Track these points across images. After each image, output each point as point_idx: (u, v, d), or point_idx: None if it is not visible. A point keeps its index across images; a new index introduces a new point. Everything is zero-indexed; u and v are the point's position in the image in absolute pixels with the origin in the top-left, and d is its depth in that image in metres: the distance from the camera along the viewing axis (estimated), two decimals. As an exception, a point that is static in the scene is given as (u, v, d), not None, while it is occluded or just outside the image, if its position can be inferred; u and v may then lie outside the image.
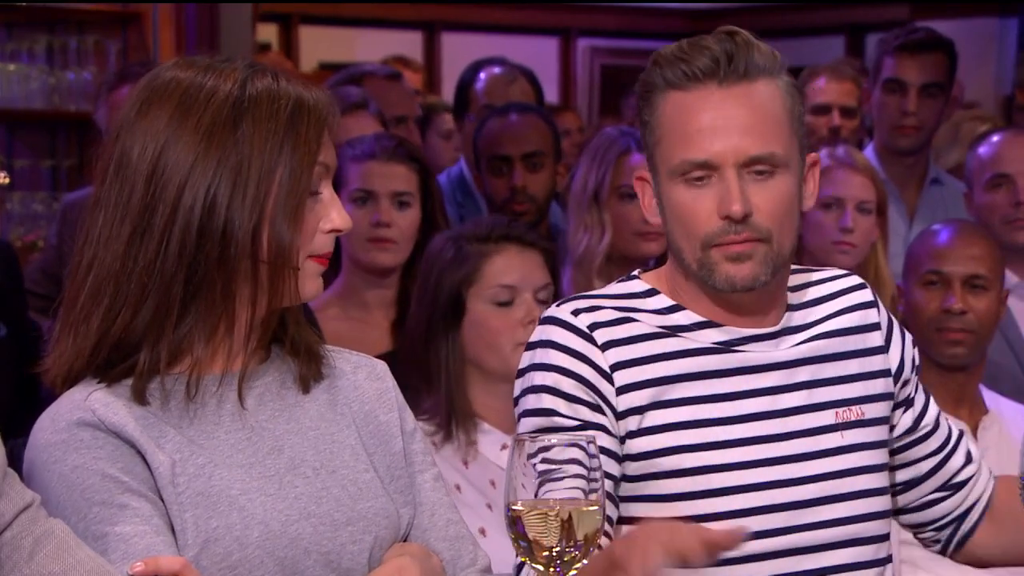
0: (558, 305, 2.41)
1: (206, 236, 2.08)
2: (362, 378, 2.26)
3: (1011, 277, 4.48)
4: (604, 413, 2.34)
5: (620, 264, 4.04)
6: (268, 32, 9.69)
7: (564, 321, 2.38)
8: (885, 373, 2.47)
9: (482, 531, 3.06)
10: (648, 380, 2.36)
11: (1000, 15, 8.98)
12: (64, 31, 6.49)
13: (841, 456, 2.40)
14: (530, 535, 1.98)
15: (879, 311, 2.50)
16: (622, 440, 2.35)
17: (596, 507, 1.98)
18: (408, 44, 9.94)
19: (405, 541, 2.22)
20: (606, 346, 2.36)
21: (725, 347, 2.39)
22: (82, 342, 2.11)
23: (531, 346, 2.40)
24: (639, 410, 2.35)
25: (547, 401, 2.34)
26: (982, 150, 4.62)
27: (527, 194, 4.55)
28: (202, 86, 2.11)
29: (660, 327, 2.39)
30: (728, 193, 2.32)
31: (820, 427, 2.40)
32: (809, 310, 2.46)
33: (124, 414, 2.08)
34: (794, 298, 2.46)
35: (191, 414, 2.12)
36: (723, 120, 2.34)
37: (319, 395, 2.22)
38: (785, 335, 2.42)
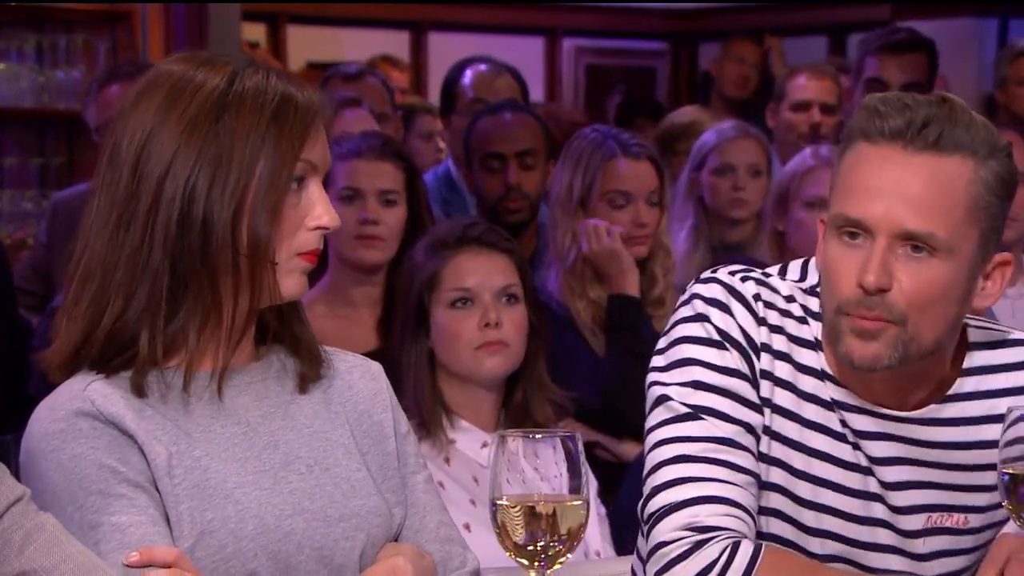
0: (732, 274, 2.32)
1: (187, 227, 2.08)
2: (357, 378, 2.27)
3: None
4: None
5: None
6: (256, 31, 9.67)
7: (743, 297, 2.30)
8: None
9: (467, 526, 3.06)
10: (780, 379, 2.29)
11: (980, 15, 9.00)
12: (53, 30, 6.48)
13: (919, 563, 2.31)
14: (514, 530, 1.98)
15: None
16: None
17: (580, 502, 1.99)
18: (395, 44, 9.93)
19: (396, 541, 2.22)
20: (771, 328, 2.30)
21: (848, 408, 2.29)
22: (73, 328, 2.12)
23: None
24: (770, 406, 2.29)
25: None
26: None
27: (521, 191, 4.56)
28: (192, 79, 2.12)
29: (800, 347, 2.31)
30: (869, 261, 2.19)
31: (909, 531, 2.31)
32: (975, 403, 2.32)
33: (122, 406, 2.09)
34: (969, 384, 2.31)
35: (188, 407, 2.13)
36: (892, 185, 2.19)
37: (314, 394, 2.22)
38: (921, 425, 2.29)
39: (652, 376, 2.32)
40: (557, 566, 1.99)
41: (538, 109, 5.74)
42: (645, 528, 2.27)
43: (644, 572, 2.31)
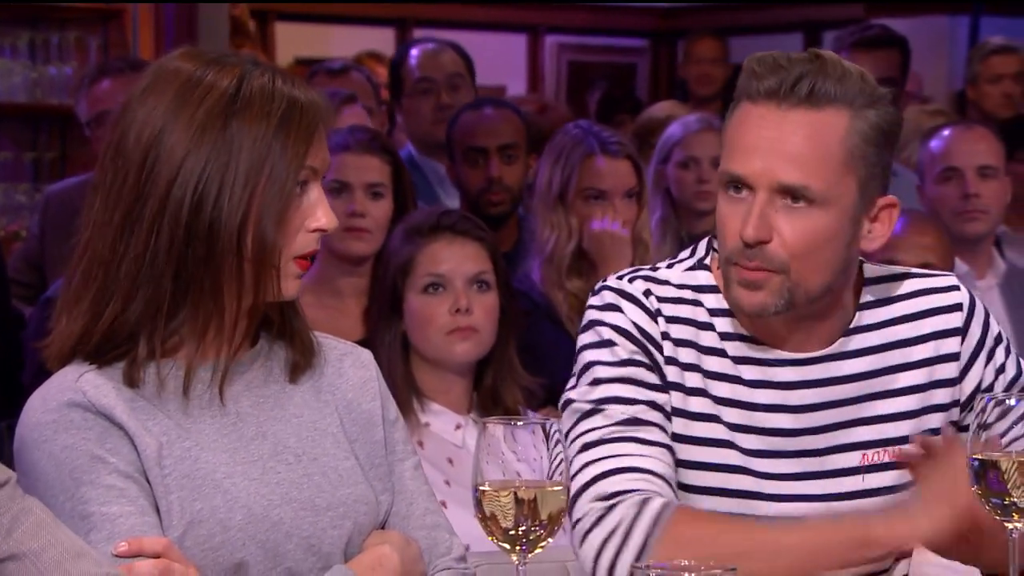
0: (620, 278, 2.37)
1: (193, 233, 2.07)
2: (347, 366, 2.26)
3: (960, 266, 4.50)
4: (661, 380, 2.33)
5: (590, 261, 4.05)
6: (244, 28, 9.64)
7: (633, 296, 2.34)
8: (947, 407, 2.39)
9: (443, 503, 3.08)
10: (694, 364, 2.33)
11: (951, 13, 9.01)
12: (46, 27, 6.47)
13: (865, 500, 2.33)
14: (496, 515, 1.98)
15: (964, 336, 2.39)
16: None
17: (560, 487, 1.99)
18: (381, 40, 9.91)
19: (383, 528, 2.22)
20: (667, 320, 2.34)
21: (758, 362, 2.34)
22: (72, 324, 2.11)
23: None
24: (682, 389, 2.32)
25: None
26: (933, 144, 4.64)
27: (502, 184, 4.56)
28: (201, 80, 2.10)
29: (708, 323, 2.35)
30: (749, 215, 2.25)
31: (843, 469, 2.34)
32: (876, 333, 2.37)
33: (113, 397, 2.08)
34: (866, 316, 2.37)
35: (179, 399, 2.12)
36: (767, 142, 2.25)
37: (304, 383, 2.22)
38: (831, 361, 2.35)
39: (563, 396, 2.37)
40: (538, 550, 2.00)
41: (533, 104, 5.72)
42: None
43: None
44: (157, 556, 2.00)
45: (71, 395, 2.08)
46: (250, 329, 2.16)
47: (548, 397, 3.57)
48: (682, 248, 4.64)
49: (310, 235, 2.14)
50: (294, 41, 9.99)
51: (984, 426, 2.13)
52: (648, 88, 11.22)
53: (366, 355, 2.29)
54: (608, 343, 2.33)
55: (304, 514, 2.13)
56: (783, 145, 2.24)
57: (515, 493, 1.97)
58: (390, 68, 5.54)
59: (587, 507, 2.25)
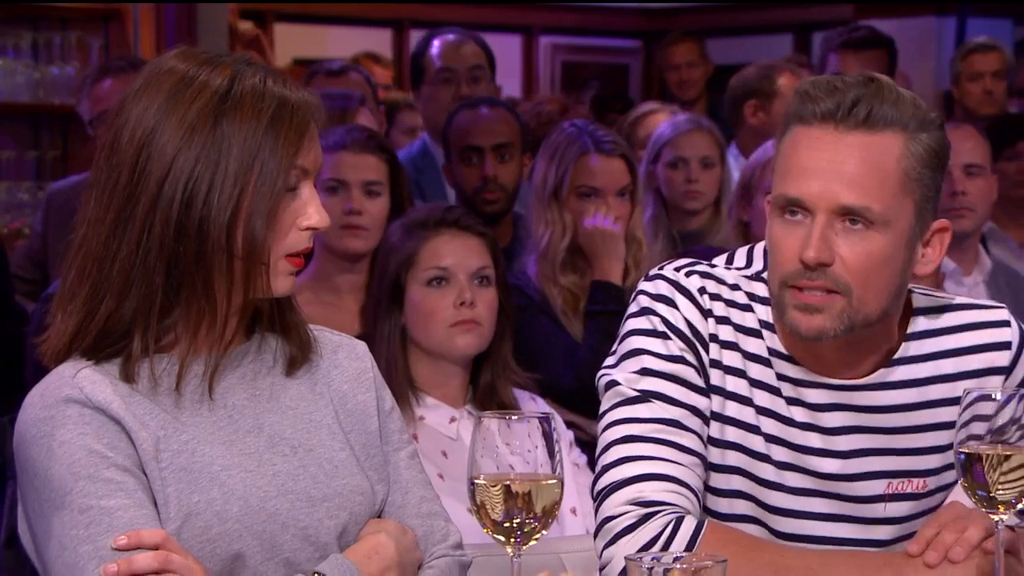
0: (677, 270, 2.33)
1: (184, 230, 2.06)
2: (342, 358, 2.26)
3: (947, 263, 4.50)
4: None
5: (584, 256, 4.06)
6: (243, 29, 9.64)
7: (688, 291, 2.31)
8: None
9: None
10: (739, 370, 2.31)
11: (938, 14, 9.01)
12: (48, 28, 6.47)
13: (883, 527, 2.33)
14: (491, 508, 1.98)
15: (1009, 376, 2.35)
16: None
17: (555, 481, 1.99)
18: (378, 41, 9.92)
19: (380, 517, 2.22)
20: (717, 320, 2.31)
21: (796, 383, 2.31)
22: (68, 321, 2.11)
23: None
24: (723, 393, 2.30)
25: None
26: (921, 142, 4.63)
27: (497, 183, 4.56)
28: (193, 79, 2.09)
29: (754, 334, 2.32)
30: (809, 237, 2.21)
31: (867, 496, 2.33)
32: (921, 365, 2.34)
33: (110, 393, 2.08)
34: (912, 347, 2.34)
35: (175, 394, 2.11)
36: (827, 164, 2.21)
37: (299, 375, 2.21)
38: (872, 390, 2.32)
39: (603, 371, 2.34)
40: (532, 542, 2.00)
41: (551, 103, 5.69)
42: (595, 505, 2.28)
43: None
44: (156, 548, 2.00)
45: (68, 391, 2.07)
46: (242, 324, 2.15)
47: (541, 392, 3.57)
48: (674, 246, 4.62)
49: (302, 233, 2.13)
50: (293, 42, 9.98)
51: (970, 421, 2.13)
52: (640, 87, 11.22)
53: (361, 347, 2.29)
54: (662, 335, 2.30)
55: (300, 505, 2.12)
56: (842, 167, 2.21)
57: (509, 486, 1.98)
58: (412, 57, 5.52)
59: (622, 508, 2.23)
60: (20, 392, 2.15)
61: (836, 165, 2.21)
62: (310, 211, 2.12)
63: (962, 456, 2.12)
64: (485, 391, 3.37)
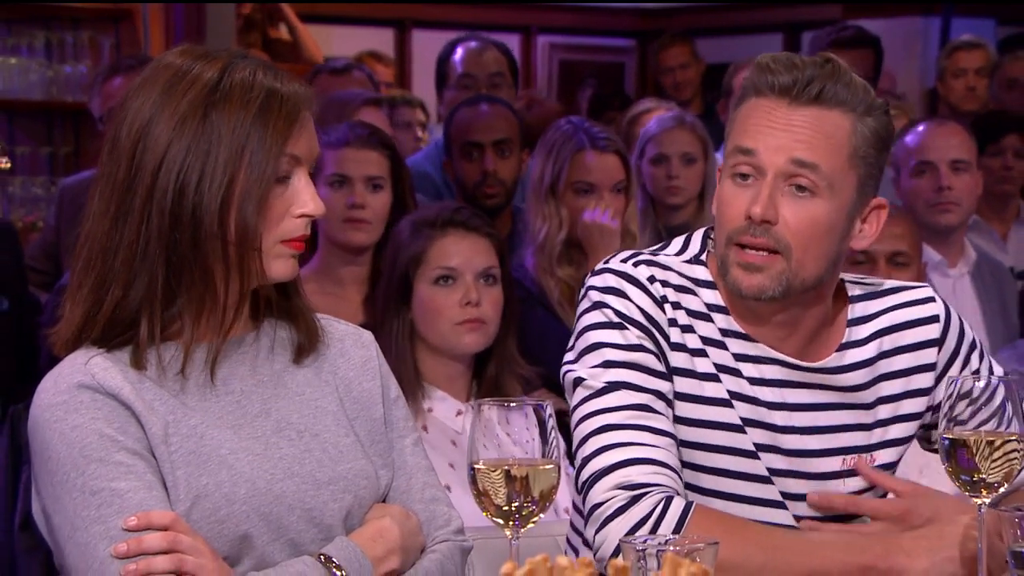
0: (623, 261, 2.35)
1: (178, 219, 2.07)
2: (348, 346, 2.26)
3: (934, 255, 4.51)
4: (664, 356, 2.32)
5: (580, 249, 4.07)
6: (250, 29, 9.63)
7: (638, 281, 2.32)
8: (919, 415, 2.41)
9: (448, 487, 3.08)
10: (702, 351, 2.32)
11: (924, 14, 9.01)
12: (61, 27, 6.47)
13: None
14: (491, 492, 1.98)
15: (941, 346, 2.41)
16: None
17: (552, 466, 1.99)
18: (380, 40, 9.91)
19: (384, 502, 2.22)
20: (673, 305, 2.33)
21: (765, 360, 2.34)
22: (76, 311, 2.12)
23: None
24: (693, 375, 2.31)
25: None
26: (908, 139, 4.64)
27: (497, 178, 4.57)
28: (187, 73, 2.10)
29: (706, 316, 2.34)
30: (758, 195, 2.25)
31: (827, 472, 2.35)
32: (865, 347, 2.38)
33: (121, 379, 2.08)
34: (855, 332, 2.38)
35: (184, 380, 2.12)
36: (781, 126, 2.27)
37: (306, 362, 2.21)
38: (829, 373, 2.35)
39: (564, 368, 2.35)
40: (531, 525, 2.00)
41: (548, 105, 5.69)
42: (581, 497, 2.28)
43: (582, 541, 2.33)
44: (165, 529, 2.00)
45: (80, 377, 2.08)
46: (243, 310, 2.15)
47: (542, 383, 3.58)
48: (660, 240, 4.65)
49: (297, 220, 2.12)
50: (297, 41, 9.96)
51: (952, 407, 2.14)
52: (636, 86, 11.22)
53: (367, 335, 2.29)
54: (618, 325, 2.30)
55: (306, 488, 2.13)
56: (795, 129, 2.26)
57: (508, 471, 1.98)
58: (437, 62, 5.53)
59: (609, 494, 2.23)
60: (35, 381, 2.15)
61: (790, 128, 2.26)
62: (304, 198, 2.12)
63: (946, 442, 2.13)
64: (490, 385, 3.36)
